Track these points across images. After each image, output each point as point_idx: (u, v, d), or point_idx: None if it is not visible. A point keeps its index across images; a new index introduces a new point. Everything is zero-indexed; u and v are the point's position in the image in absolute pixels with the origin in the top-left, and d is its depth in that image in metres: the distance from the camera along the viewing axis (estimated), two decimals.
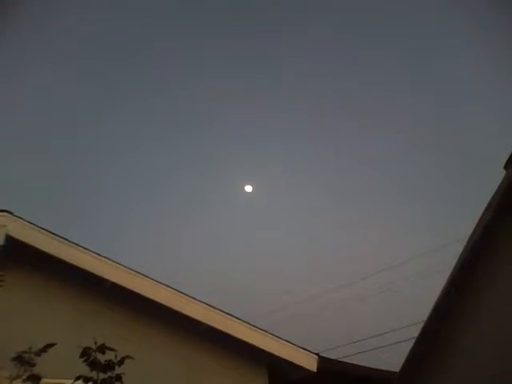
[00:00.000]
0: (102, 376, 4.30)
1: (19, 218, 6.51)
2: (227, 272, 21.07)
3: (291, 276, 21.92)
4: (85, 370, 4.30)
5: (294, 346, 7.70)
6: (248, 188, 19.91)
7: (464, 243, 6.42)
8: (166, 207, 21.43)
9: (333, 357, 10.90)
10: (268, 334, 7.64)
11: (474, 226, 6.19)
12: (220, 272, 21.07)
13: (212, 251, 21.64)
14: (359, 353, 16.96)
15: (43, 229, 6.56)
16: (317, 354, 7.84)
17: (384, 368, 9.09)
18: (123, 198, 20.52)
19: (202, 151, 20.19)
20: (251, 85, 18.35)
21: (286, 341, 7.70)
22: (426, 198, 20.25)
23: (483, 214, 5.90)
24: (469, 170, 17.51)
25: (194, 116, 18.90)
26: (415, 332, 8.00)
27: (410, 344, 8.13)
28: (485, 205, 5.84)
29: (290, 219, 22.53)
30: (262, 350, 7.45)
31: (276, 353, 7.53)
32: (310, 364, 7.71)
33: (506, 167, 5.47)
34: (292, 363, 7.63)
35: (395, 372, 8.10)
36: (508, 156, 5.35)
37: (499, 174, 5.56)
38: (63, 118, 17.28)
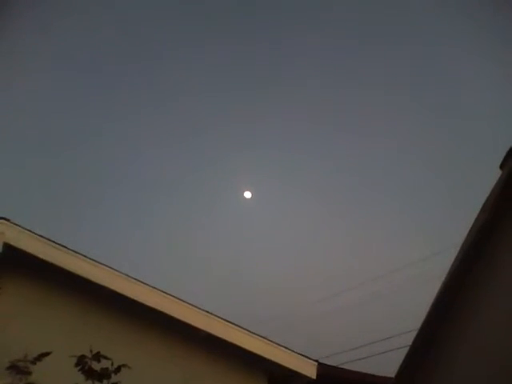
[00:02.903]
0: None
1: (17, 225, 6.50)
2: (227, 277, 21.06)
3: (289, 282, 21.86)
4: (80, 378, 4.30)
5: (294, 353, 7.67)
6: (247, 194, 19.92)
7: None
8: (166, 212, 21.42)
9: (333, 363, 10.90)
10: (267, 341, 7.61)
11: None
12: (220, 277, 21.05)
13: (211, 256, 21.62)
14: (360, 359, 16.92)
15: (41, 236, 6.54)
16: (316, 361, 7.82)
17: (384, 374, 9.06)
18: (123, 204, 20.46)
19: (202, 158, 20.23)
20: (251, 92, 18.39)
21: (286, 347, 7.67)
22: (422, 205, 20.22)
23: (478, 215, 5.88)
24: (466, 177, 17.51)
25: (194, 123, 18.92)
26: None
27: None
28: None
29: (288, 226, 22.54)
30: (261, 357, 7.42)
31: (275, 360, 7.50)
32: (310, 371, 7.67)
33: (501, 167, 5.46)
34: (291, 370, 7.60)
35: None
36: (504, 155, 5.34)
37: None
38: (65, 123, 17.32)
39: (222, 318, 7.40)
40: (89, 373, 4.30)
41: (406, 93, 17.64)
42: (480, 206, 5.85)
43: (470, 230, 6.10)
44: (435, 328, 6.93)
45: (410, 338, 8.09)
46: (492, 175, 5.57)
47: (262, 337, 7.63)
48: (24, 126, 15.51)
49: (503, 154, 5.41)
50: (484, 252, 6.21)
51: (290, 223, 22.39)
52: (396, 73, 17.37)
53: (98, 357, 4.34)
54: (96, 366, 4.33)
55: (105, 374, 4.30)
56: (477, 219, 5.95)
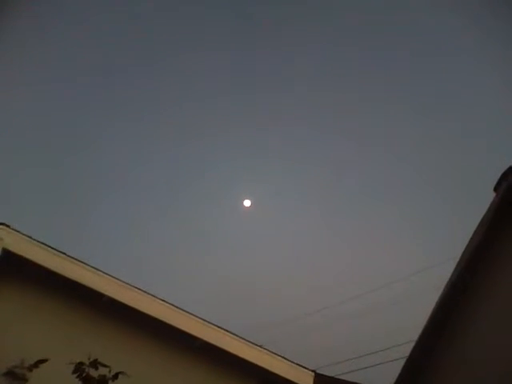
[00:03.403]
0: None
1: (16, 231, 6.51)
2: (226, 284, 21.02)
3: (288, 291, 21.84)
4: None
5: (290, 363, 7.65)
6: (247, 203, 19.96)
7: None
8: (165, 219, 21.42)
9: (332, 373, 10.85)
10: (263, 350, 7.60)
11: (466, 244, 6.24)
12: (219, 284, 21.02)
13: (211, 263, 21.60)
14: (359, 370, 16.86)
15: (41, 242, 6.55)
16: (313, 371, 7.80)
17: None
18: (122, 210, 20.52)
19: (202, 165, 20.28)
20: (252, 100, 18.47)
21: (282, 357, 7.66)
22: (421, 217, 20.26)
23: (474, 233, 5.97)
24: (465, 188, 17.56)
25: (194, 130, 18.98)
26: None
27: None
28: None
29: (287, 234, 22.54)
30: (257, 366, 7.41)
31: (271, 369, 7.48)
32: (306, 381, 7.64)
33: (495, 189, 5.56)
34: (287, 380, 7.59)
35: None
36: (498, 178, 5.43)
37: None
38: (65, 126, 17.36)
39: (219, 327, 7.39)
40: (86, 380, 4.30)
41: (408, 105, 17.70)
42: (479, 219, 5.92)
43: (467, 247, 6.17)
44: (433, 339, 6.96)
45: (408, 349, 8.11)
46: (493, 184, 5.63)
47: (257, 345, 7.62)
48: (24, 129, 15.56)
49: (503, 162, 5.49)
50: (481, 267, 6.27)
51: (289, 231, 22.39)
52: (397, 76, 17.45)
53: (95, 364, 4.34)
54: (94, 374, 4.34)
55: (102, 381, 4.31)
56: (472, 237, 6.04)
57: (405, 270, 19.05)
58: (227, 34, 16.64)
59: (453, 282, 6.38)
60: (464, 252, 6.16)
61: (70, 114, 17.12)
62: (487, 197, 5.68)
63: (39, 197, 17.35)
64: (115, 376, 4.40)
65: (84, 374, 4.30)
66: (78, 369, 4.31)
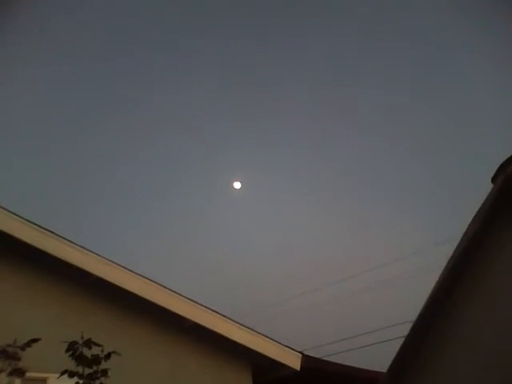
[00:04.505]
0: (87, 371, 4.27)
1: (3, 208, 6.36)
2: (216, 267, 21.01)
3: (279, 273, 21.91)
4: (70, 364, 4.26)
5: (278, 344, 7.73)
6: (237, 185, 19.88)
7: (455, 244, 6.48)
8: (155, 204, 21.33)
9: (323, 354, 10.98)
10: (252, 332, 7.65)
11: (465, 226, 6.27)
12: (209, 267, 21.00)
13: (199, 247, 21.56)
14: (349, 350, 17.04)
15: (28, 221, 6.43)
16: (301, 353, 7.88)
17: (373, 367, 9.14)
18: (114, 197, 20.31)
19: (192, 149, 20.12)
20: (241, 86, 18.35)
21: (270, 338, 7.72)
22: (416, 197, 20.30)
23: (469, 225, 6.02)
24: (463, 171, 17.68)
25: (184, 117, 18.82)
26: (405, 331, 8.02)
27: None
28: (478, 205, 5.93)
29: (279, 216, 22.51)
30: (246, 347, 7.46)
31: (260, 350, 7.55)
32: (294, 362, 7.75)
33: (493, 180, 5.59)
34: (275, 361, 7.67)
35: (382, 372, 8.13)
36: (496, 169, 5.47)
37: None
38: (64, 120, 17.21)
39: (208, 308, 7.40)
40: (79, 359, 4.26)
41: (408, 90, 17.71)
42: (479, 201, 5.95)
43: (461, 239, 6.21)
44: (430, 323, 7.01)
45: (399, 330, 8.16)
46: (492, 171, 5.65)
47: (246, 327, 7.67)
48: (24, 123, 15.39)
49: (503, 153, 5.52)
50: (475, 259, 6.33)
51: (281, 213, 22.40)
52: (395, 72, 17.46)
53: (89, 343, 4.31)
54: (87, 353, 4.30)
55: (95, 360, 4.27)
56: (467, 230, 6.08)
57: (399, 251, 19.07)
58: (219, 24, 16.51)
59: (447, 272, 6.43)
60: (459, 244, 6.20)
61: (68, 104, 16.91)
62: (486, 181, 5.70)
63: (39, 185, 17.17)
64: (107, 356, 4.36)
65: (77, 353, 4.27)
66: (72, 347, 4.27)
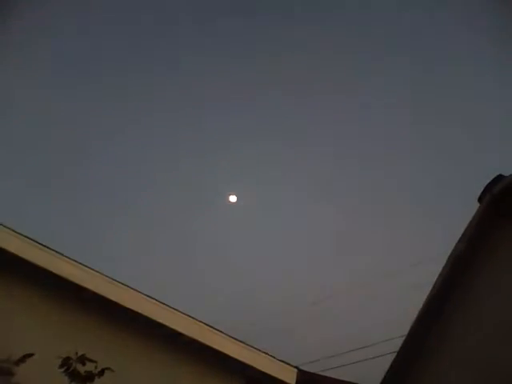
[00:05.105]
0: None
1: (3, 225, 6.46)
2: (211, 282, 20.98)
3: (275, 287, 21.83)
4: (64, 380, 4.34)
5: (272, 359, 7.73)
6: (232, 198, 19.95)
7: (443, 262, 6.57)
8: (149, 216, 21.32)
9: (319, 369, 10.99)
10: (246, 346, 7.66)
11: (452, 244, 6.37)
12: (204, 282, 20.98)
13: (194, 261, 21.53)
14: (344, 365, 16.98)
15: (27, 237, 6.52)
16: (296, 367, 7.89)
17: (368, 382, 9.14)
18: (107, 205, 20.35)
19: (187, 160, 20.19)
20: (237, 94, 18.45)
21: (265, 353, 7.73)
22: (407, 216, 20.24)
23: (456, 244, 6.10)
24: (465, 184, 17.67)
25: (178, 124, 18.93)
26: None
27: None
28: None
29: (275, 229, 22.48)
30: (240, 362, 7.47)
31: (254, 365, 7.55)
32: (289, 377, 7.73)
33: (479, 200, 5.67)
34: (270, 376, 7.67)
35: None
36: (482, 189, 5.55)
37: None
38: (64, 123, 17.34)
39: (202, 322, 7.43)
40: (73, 375, 4.34)
41: (408, 97, 17.72)
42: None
43: (448, 259, 6.30)
44: (422, 336, 7.09)
45: (393, 345, 8.20)
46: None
47: (240, 341, 7.68)
48: (23, 127, 15.51)
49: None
50: (463, 277, 6.41)
51: (277, 226, 22.36)
52: (393, 74, 17.49)
53: (83, 359, 4.39)
54: (80, 369, 4.38)
55: (89, 376, 4.35)
56: (454, 249, 6.17)
57: (393, 266, 19.00)
58: (215, 25, 16.64)
59: (433, 295, 6.51)
60: (447, 261, 6.29)
61: (68, 105, 17.02)
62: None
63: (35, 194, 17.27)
64: (101, 372, 4.44)
65: (71, 369, 4.34)
66: (66, 363, 4.35)
